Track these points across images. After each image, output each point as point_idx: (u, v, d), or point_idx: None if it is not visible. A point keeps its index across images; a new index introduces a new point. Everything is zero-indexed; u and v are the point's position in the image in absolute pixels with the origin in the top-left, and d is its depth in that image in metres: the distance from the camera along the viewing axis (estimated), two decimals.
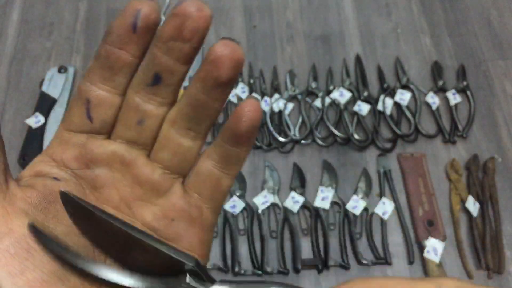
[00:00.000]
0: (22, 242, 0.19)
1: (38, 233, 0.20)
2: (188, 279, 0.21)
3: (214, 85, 0.21)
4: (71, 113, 0.23)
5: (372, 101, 0.93)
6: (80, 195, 0.22)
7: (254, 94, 0.94)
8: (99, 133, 0.23)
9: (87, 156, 0.23)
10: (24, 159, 0.87)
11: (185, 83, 0.22)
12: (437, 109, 0.93)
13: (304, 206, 0.83)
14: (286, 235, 0.82)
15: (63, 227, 0.21)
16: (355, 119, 0.91)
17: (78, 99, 0.23)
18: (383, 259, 0.79)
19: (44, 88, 0.94)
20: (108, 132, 0.23)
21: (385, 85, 0.94)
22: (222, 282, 0.22)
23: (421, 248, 0.80)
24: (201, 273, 0.21)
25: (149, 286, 0.21)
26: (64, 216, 0.21)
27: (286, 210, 0.83)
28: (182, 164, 0.24)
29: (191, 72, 0.22)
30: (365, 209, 0.83)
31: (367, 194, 0.85)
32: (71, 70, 0.97)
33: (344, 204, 0.83)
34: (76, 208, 0.21)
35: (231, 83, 0.22)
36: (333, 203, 0.84)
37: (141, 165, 0.23)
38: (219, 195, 0.24)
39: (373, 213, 0.83)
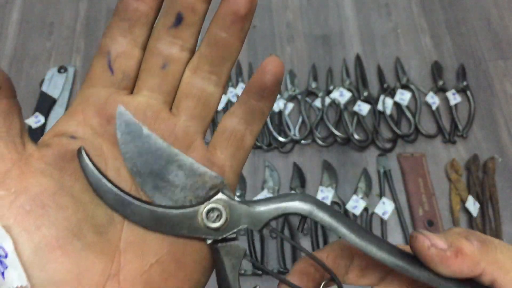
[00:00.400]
0: (37, 200, 0.20)
1: (83, 157, 0.21)
2: (220, 194, 0.22)
3: (233, 19, 0.23)
4: (93, 68, 0.24)
5: (372, 101, 0.93)
6: (97, 152, 0.22)
7: None
8: (121, 88, 0.24)
9: (108, 112, 0.23)
10: None
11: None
12: (437, 109, 0.93)
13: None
14: (286, 235, 0.82)
15: (80, 184, 0.21)
16: (355, 119, 0.91)
17: (99, 54, 0.23)
18: None
19: (44, 88, 0.94)
20: (129, 87, 0.24)
21: (385, 85, 0.94)
22: (246, 201, 0.23)
23: None
24: (229, 191, 0.23)
25: (182, 210, 0.22)
26: (80, 174, 0.21)
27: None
28: (205, 112, 0.24)
29: None
30: (365, 209, 0.83)
31: (367, 194, 0.85)
32: (71, 70, 0.97)
33: (344, 204, 0.83)
34: (128, 125, 0.22)
35: (249, 18, 0.23)
36: (333, 203, 0.84)
37: (163, 119, 0.24)
38: (241, 153, 0.25)
39: (373, 213, 0.83)
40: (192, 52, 0.24)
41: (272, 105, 0.25)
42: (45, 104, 0.93)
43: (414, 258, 0.21)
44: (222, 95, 0.25)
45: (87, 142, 0.22)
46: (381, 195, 0.85)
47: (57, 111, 0.93)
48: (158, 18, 0.24)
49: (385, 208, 0.83)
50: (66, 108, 0.93)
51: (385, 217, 0.82)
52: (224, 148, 0.24)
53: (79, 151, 0.21)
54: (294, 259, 0.79)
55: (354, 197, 0.84)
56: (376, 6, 1.06)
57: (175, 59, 0.24)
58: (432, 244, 0.20)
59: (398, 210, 0.84)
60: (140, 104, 0.23)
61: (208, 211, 0.22)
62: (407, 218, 0.83)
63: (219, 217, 0.22)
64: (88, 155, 0.21)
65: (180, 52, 0.24)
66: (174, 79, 0.24)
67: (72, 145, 0.22)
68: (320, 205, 0.22)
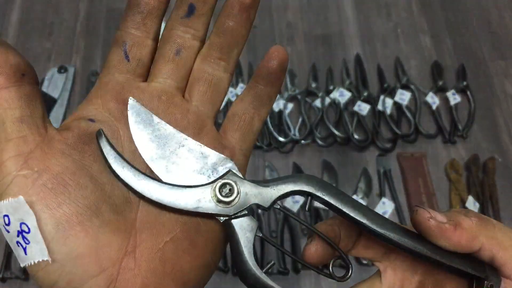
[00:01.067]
0: (58, 179, 0.21)
1: (102, 139, 0.22)
2: (230, 174, 0.23)
3: (240, 9, 0.25)
4: (110, 58, 0.25)
5: (372, 101, 0.93)
6: (114, 135, 0.24)
7: None
8: (136, 74, 0.25)
9: (125, 96, 0.24)
10: None
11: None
12: (437, 109, 0.93)
13: (304, 206, 0.83)
14: (286, 235, 0.82)
15: (98, 165, 0.22)
16: (355, 119, 0.91)
17: (115, 44, 0.25)
18: None
19: (44, 88, 0.94)
20: (144, 74, 0.26)
21: (385, 85, 0.94)
22: (255, 181, 0.24)
23: None
24: (239, 171, 0.24)
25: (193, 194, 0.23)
26: (99, 155, 0.23)
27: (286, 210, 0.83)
28: (215, 97, 0.26)
29: None
30: None
31: (367, 194, 0.85)
32: (71, 70, 0.97)
33: None
34: (139, 114, 0.24)
35: (254, 7, 0.25)
36: None
37: (176, 104, 0.25)
38: (250, 136, 0.27)
39: None
40: (203, 42, 0.26)
41: (278, 90, 0.27)
42: (45, 104, 0.93)
43: (417, 235, 0.22)
44: (230, 81, 0.26)
45: (105, 125, 0.23)
46: (381, 195, 0.85)
47: (57, 111, 0.93)
48: (172, 9, 0.25)
49: (385, 208, 0.83)
50: (66, 108, 0.93)
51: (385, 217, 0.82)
52: (234, 131, 0.26)
53: (98, 133, 0.22)
54: (294, 259, 0.79)
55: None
56: (376, 6, 1.06)
57: (188, 46, 0.26)
58: (432, 217, 0.21)
59: (398, 210, 0.84)
60: (155, 90, 0.25)
61: (221, 186, 0.23)
62: (407, 218, 0.83)
63: (231, 191, 0.23)
64: (106, 137, 0.22)
65: (192, 41, 0.26)
66: (187, 65, 0.26)
67: (91, 127, 0.23)
68: (325, 185, 0.23)
